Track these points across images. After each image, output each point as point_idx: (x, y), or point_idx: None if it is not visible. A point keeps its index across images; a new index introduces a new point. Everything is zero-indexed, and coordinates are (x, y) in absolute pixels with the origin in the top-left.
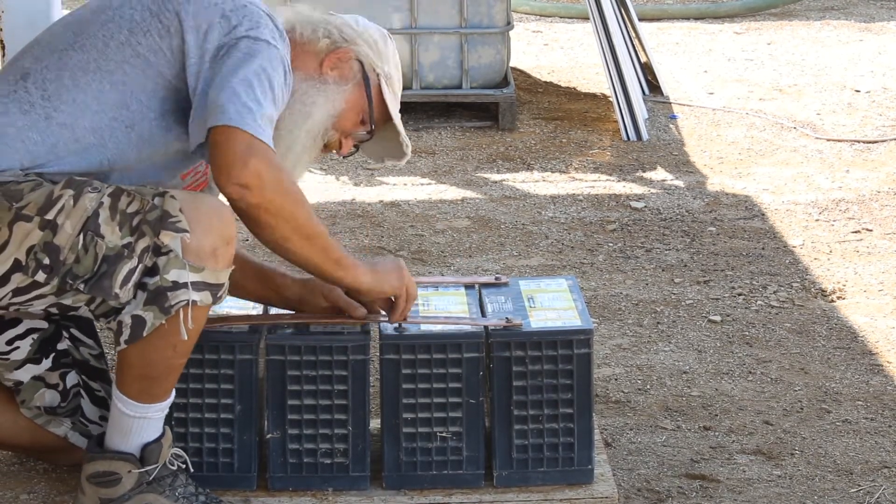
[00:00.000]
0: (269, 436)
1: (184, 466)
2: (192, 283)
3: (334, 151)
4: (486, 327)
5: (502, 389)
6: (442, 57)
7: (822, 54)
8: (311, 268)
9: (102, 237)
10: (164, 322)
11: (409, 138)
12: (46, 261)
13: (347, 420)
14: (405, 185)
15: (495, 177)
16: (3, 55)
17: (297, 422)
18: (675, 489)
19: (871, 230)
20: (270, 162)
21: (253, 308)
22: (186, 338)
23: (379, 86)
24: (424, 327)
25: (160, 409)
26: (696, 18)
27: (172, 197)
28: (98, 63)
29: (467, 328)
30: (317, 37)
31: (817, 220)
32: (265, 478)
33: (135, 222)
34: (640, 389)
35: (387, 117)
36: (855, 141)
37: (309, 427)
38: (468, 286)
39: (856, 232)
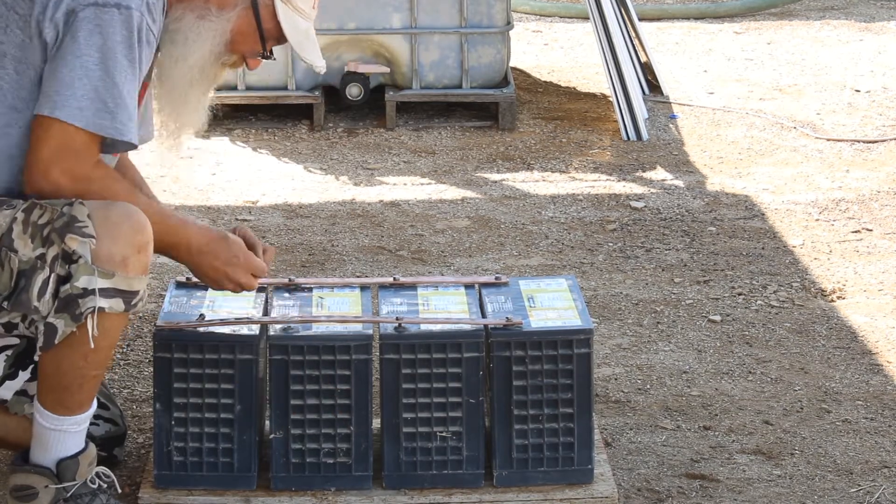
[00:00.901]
0: (271, 436)
1: (105, 486)
2: (102, 289)
3: (243, 68)
4: (486, 327)
5: (502, 389)
6: (442, 56)
7: (822, 54)
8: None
9: (16, 252)
10: (75, 330)
11: (324, 61)
12: None
13: (350, 419)
14: (405, 184)
15: (495, 176)
16: None
17: (299, 421)
18: (675, 489)
19: (871, 230)
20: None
21: (253, 308)
22: (93, 346)
23: (272, 6)
24: (424, 327)
25: (76, 423)
26: (696, 18)
27: (81, 203)
28: None
29: (467, 328)
30: None
31: (817, 220)
32: (265, 477)
33: (45, 232)
34: (640, 389)
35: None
36: (855, 141)
37: (312, 427)
38: (468, 286)
39: (856, 232)
